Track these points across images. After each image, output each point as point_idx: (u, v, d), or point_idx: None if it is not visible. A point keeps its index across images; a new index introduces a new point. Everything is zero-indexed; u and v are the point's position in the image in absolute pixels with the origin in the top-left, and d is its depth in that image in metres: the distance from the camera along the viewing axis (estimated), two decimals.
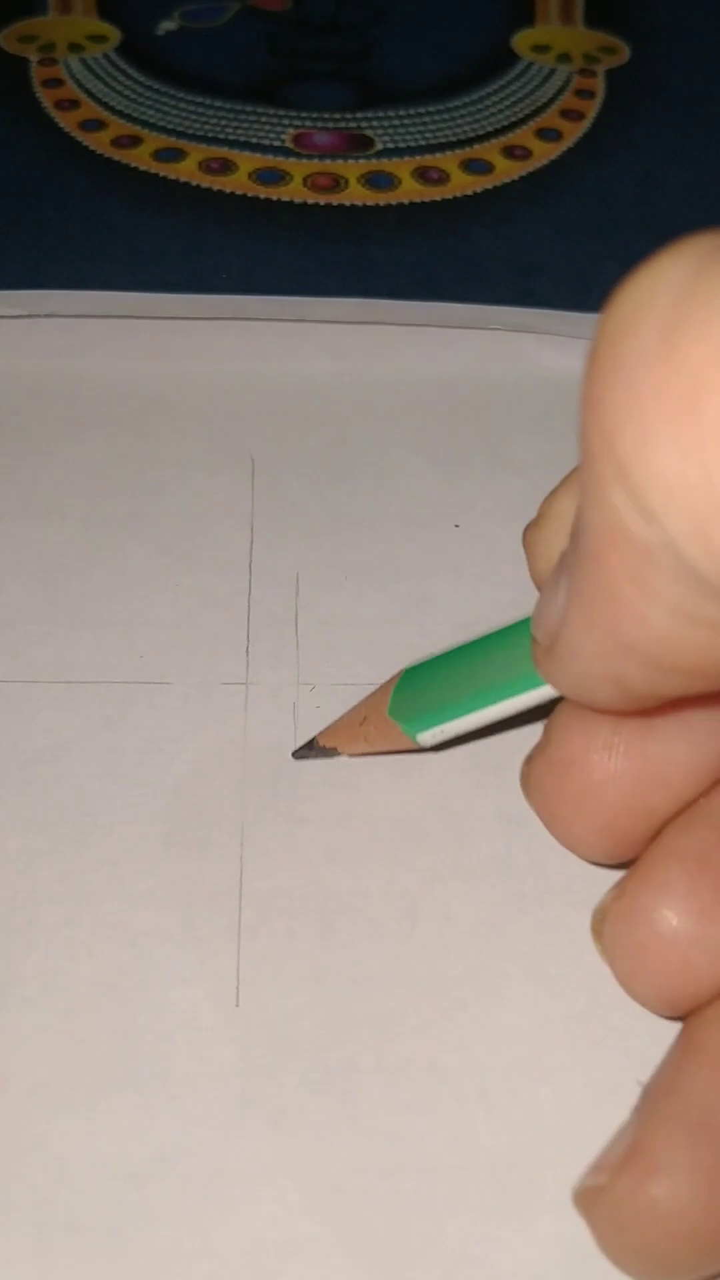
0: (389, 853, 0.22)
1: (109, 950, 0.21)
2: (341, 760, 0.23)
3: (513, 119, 0.41)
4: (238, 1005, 0.20)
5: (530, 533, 0.19)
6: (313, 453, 0.30)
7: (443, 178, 0.38)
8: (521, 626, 0.19)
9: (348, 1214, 0.18)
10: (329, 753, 0.23)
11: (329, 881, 0.22)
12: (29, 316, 0.33)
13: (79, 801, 0.23)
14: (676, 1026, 0.18)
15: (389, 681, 0.22)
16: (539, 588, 0.20)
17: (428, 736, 0.21)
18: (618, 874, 0.22)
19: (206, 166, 0.38)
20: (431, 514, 0.29)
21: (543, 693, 0.19)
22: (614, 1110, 0.19)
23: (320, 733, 0.23)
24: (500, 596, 0.27)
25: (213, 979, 0.20)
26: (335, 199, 0.37)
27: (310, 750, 0.23)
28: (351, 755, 0.23)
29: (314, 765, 0.23)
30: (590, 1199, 0.17)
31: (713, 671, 0.15)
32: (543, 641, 0.17)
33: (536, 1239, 0.18)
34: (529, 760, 0.20)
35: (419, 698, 0.21)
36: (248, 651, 0.25)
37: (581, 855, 0.20)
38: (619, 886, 0.19)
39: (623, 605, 0.14)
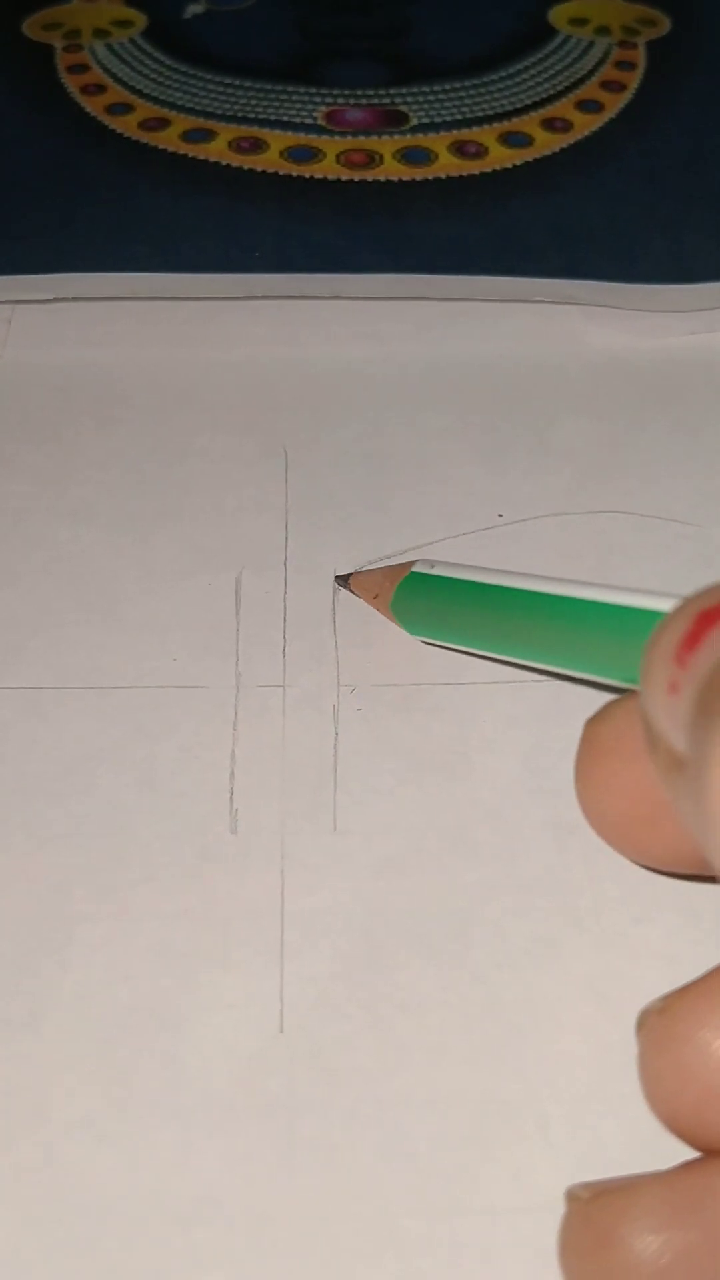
0: (437, 865, 0.21)
1: (147, 974, 0.20)
2: (383, 768, 0.22)
3: (552, 91, 0.40)
4: (282, 1032, 0.19)
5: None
6: (348, 443, 0.29)
7: (481, 151, 0.37)
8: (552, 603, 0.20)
9: (405, 1259, 0.17)
10: (353, 592, 0.25)
11: (374, 898, 0.21)
12: (56, 300, 0.32)
13: (113, 814, 0.22)
14: None
15: (401, 568, 0.23)
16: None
17: (422, 639, 0.24)
18: (676, 893, 0.21)
19: (237, 146, 0.37)
20: (474, 504, 0.28)
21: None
22: (681, 1142, 0.18)
23: (355, 574, 0.25)
24: None
25: (256, 1003, 0.19)
26: (370, 175, 0.36)
27: (344, 582, 0.25)
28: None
29: (356, 774, 0.22)
30: (569, 1205, 0.16)
31: None
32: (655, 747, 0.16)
33: None
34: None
35: (421, 604, 0.23)
36: (284, 653, 0.24)
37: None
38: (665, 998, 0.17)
39: None
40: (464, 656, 0.24)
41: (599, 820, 0.19)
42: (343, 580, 0.25)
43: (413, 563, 0.23)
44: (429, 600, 0.23)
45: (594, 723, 0.18)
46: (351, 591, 0.25)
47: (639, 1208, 0.15)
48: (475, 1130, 0.18)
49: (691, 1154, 0.16)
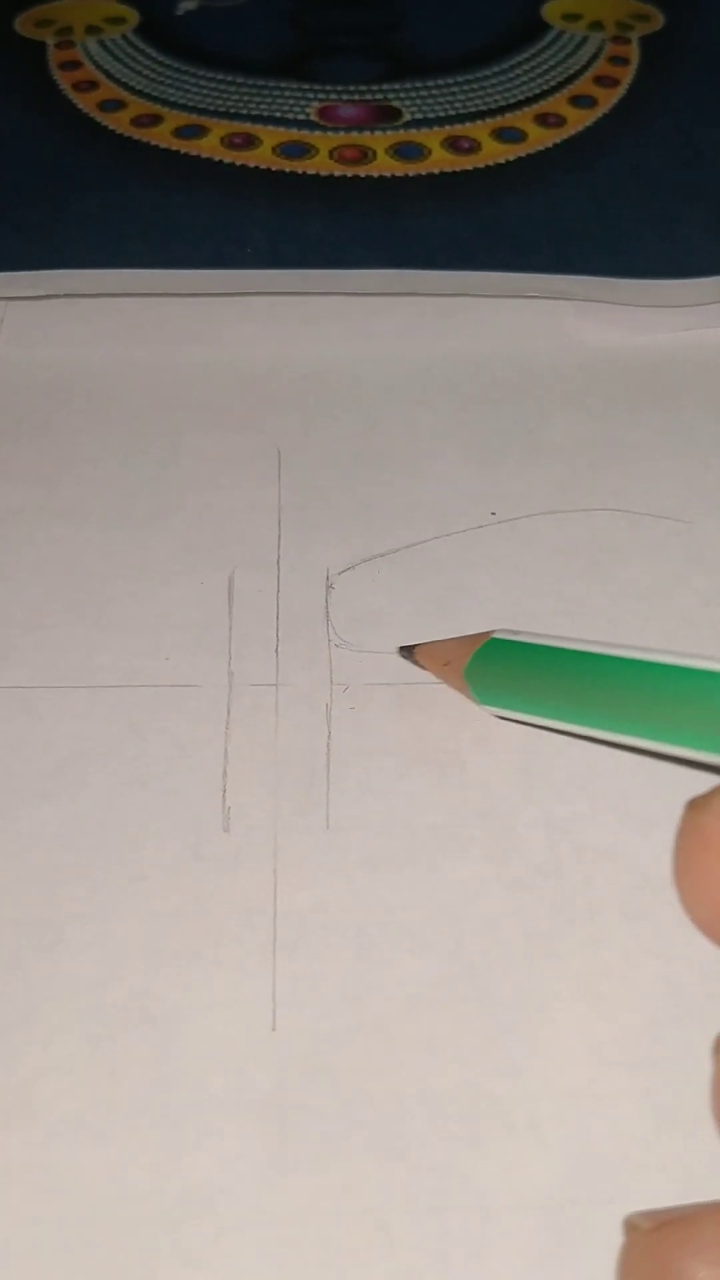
0: (430, 863, 0.21)
1: (139, 972, 0.20)
2: (376, 766, 0.22)
3: (545, 87, 0.40)
4: (274, 1030, 0.19)
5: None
6: (341, 443, 0.29)
7: (474, 147, 0.37)
8: (644, 670, 0.18)
9: (394, 1256, 0.17)
10: (418, 664, 0.24)
11: (367, 894, 0.21)
12: (48, 297, 0.31)
13: (105, 812, 0.22)
14: None
15: (478, 637, 0.22)
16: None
17: (494, 711, 0.22)
18: (669, 890, 0.21)
19: (229, 142, 0.37)
20: (466, 502, 0.28)
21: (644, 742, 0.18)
22: (675, 1140, 0.18)
23: (421, 645, 0.23)
24: (540, 587, 0.26)
25: (248, 1002, 0.19)
26: (363, 171, 0.36)
27: (408, 653, 0.24)
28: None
29: (348, 772, 0.22)
30: (628, 1236, 0.16)
31: None
32: None
33: None
34: None
35: (502, 673, 0.22)
36: (277, 652, 0.24)
37: None
38: None
39: None
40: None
41: (708, 921, 0.17)
42: (407, 651, 0.24)
43: (491, 631, 0.22)
44: (511, 669, 0.22)
45: (700, 811, 0.16)
46: (416, 664, 0.24)
47: (701, 1239, 0.15)
48: (467, 1128, 0.18)
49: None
